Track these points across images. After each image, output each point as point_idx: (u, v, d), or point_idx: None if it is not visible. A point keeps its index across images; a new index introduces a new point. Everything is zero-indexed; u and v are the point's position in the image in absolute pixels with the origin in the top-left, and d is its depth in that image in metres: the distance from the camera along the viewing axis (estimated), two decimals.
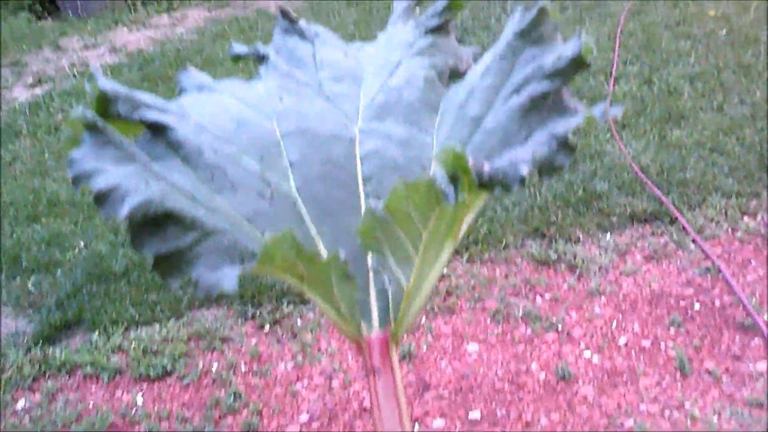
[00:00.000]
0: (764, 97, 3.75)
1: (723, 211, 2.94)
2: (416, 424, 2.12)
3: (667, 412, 2.07)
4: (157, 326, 2.57)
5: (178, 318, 2.61)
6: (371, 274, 1.00)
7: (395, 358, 0.94)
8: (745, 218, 2.91)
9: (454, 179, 0.71)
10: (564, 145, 0.75)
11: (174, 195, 0.78)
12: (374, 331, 0.99)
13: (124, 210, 0.71)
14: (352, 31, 5.40)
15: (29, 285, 2.82)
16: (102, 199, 0.72)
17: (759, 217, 2.90)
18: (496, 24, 5.20)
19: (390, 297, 0.98)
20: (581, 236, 2.88)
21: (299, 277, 0.81)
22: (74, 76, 5.13)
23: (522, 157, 0.72)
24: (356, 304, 0.92)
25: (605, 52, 4.49)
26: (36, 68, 5.39)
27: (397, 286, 0.95)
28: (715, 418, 2.03)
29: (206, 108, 1.10)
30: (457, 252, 2.82)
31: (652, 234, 2.88)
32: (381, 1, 6.07)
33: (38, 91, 4.96)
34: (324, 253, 0.99)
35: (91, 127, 0.77)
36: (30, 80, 5.17)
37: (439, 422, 2.12)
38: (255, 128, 1.10)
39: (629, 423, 2.05)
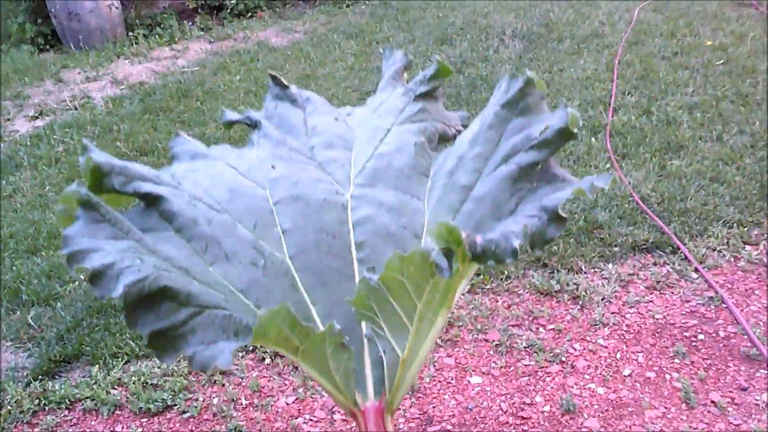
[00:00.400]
0: (763, 126, 3.76)
1: (725, 240, 2.93)
2: None
3: None
4: (157, 360, 2.56)
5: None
6: (366, 343, 1.00)
7: (390, 427, 0.93)
8: (747, 247, 2.90)
9: (448, 252, 0.71)
10: (555, 217, 0.75)
11: (168, 270, 0.78)
12: (369, 401, 0.98)
13: (119, 289, 0.71)
14: (352, 62, 5.44)
15: (29, 318, 2.81)
16: (96, 278, 0.72)
17: (761, 247, 2.89)
18: (494, 55, 5.23)
19: (385, 366, 0.97)
20: (583, 266, 2.87)
21: (294, 350, 0.81)
22: (75, 108, 5.15)
23: (514, 230, 0.72)
24: (351, 374, 0.91)
25: (603, 83, 4.50)
26: (37, 100, 5.42)
27: (392, 355, 0.94)
28: None
29: (199, 177, 1.10)
30: None
31: (654, 264, 2.87)
32: (380, 33, 6.12)
33: (39, 123, 4.98)
34: (318, 320, 0.99)
35: (85, 204, 0.77)
36: (31, 112, 5.19)
37: None
38: (248, 197, 1.10)
39: None
